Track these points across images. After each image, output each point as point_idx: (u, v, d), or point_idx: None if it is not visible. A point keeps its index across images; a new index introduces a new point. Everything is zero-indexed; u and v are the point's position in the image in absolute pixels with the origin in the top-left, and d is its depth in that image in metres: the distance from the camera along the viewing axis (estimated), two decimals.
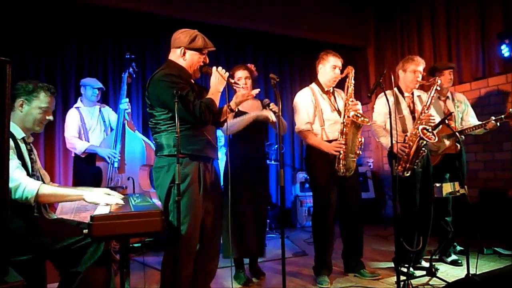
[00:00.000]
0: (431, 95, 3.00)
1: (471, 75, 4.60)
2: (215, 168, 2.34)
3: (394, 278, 2.61)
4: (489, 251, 3.47)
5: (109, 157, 3.64)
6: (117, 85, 4.82)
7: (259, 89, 2.44)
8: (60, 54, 4.65)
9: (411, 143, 2.93)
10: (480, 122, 3.32)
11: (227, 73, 2.20)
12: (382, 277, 2.96)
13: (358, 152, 2.86)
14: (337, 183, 2.91)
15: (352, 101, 2.86)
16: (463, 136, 3.33)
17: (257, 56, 5.94)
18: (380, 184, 5.88)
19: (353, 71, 2.93)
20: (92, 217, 1.54)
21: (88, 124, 3.80)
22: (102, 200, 1.85)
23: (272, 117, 2.79)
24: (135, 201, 1.99)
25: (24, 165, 1.86)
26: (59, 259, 1.81)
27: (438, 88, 3.08)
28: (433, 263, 2.88)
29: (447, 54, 4.83)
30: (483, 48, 4.46)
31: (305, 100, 3.01)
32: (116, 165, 3.67)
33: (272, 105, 2.89)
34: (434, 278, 2.79)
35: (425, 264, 3.07)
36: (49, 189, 1.84)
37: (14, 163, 1.78)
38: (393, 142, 2.60)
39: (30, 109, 1.97)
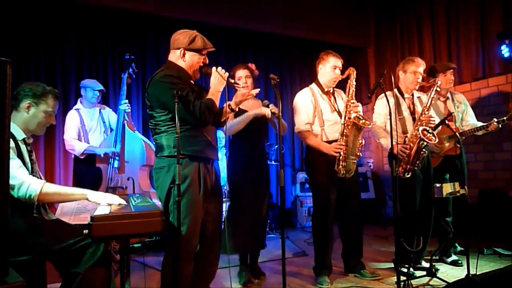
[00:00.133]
0: (431, 96, 3.00)
1: (471, 75, 4.60)
2: (215, 169, 2.33)
3: (394, 279, 2.60)
4: (489, 252, 3.47)
5: (107, 153, 3.63)
6: (117, 86, 4.82)
7: (259, 89, 2.44)
8: (60, 54, 4.65)
9: (411, 144, 2.93)
10: (481, 124, 3.31)
11: (227, 73, 2.19)
12: (382, 277, 2.96)
13: (358, 154, 2.86)
14: (336, 184, 2.91)
15: (353, 102, 2.86)
16: (463, 137, 3.33)
17: (257, 56, 5.94)
18: (380, 184, 5.89)
19: (355, 72, 2.92)
20: (92, 218, 1.54)
21: (88, 126, 3.80)
22: (104, 200, 1.85)
23: (269, 113, 2.80)
24: (135, 201, 1.99)
25: (24, 165, 1.86)
26: (59, 260, 1.81)
27: (438, 89, 3.08)
28: (433, 264, 2.88)
29: (447, 54, 4.83)
30: (483, 49, 4.46)
31: (304, 101, 3.01)
32: (116, 165, 3.67)
33: (271, 106, 2.90)
34: (434, 279, 2.79)
35: (425, 264, 3.07)
36: (52, 187, 1.85)
37: (16, 162, 1.78)
38: (394, 143, 2.60)
39: (36, 112, 1.97)
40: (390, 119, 2.52)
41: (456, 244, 3.57)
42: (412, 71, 3.13)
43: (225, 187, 4.15)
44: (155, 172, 2.16)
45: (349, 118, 2.83)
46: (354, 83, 2.92)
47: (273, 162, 4.93)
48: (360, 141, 2.85)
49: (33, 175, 1.92)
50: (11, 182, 1.67)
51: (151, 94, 2.13)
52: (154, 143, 2.24)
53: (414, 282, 2.69)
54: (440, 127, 2.97)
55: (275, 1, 5.08)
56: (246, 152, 2.93)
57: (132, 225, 1.59)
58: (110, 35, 4.92)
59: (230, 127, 2.81)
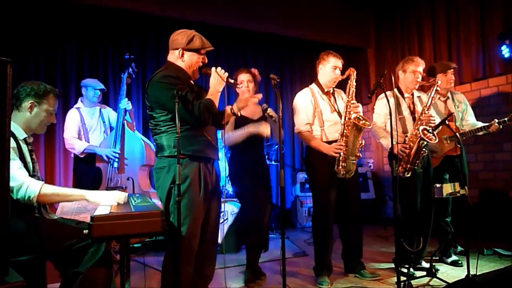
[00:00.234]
0: (431, 95, 3.00)
1: (471, 75, 4.60)
2: (215, 169, 2.34)
3: (394, 279, 2.60)
4: (489, 252, 3.47)
5: (108, 157, 3.64)
6: (117, 86, 4.82)
7: (261, 94, 2.43)
8: (60, 54, 4.65)
9: (411, 144, 2.93)
10: (481, 123, 3.31)
11: (226, 74, 2.19)
12: (382, 277, 2.96)
13: (358, 154, 2.86)
14: (336, 184, 2.91)
15: (353, 103, 2.86)
16: (463, 137, 3.33)
17: (258, 56, 5.95)
18: (381, 184, 5.89)
19: (355, 72, 2.92)
20: (92, 218, 1.54)
21: (88, 125, 3.80)
22: (103, 199, 1.85)
23: (267, 132, 2.81)
24: (135, 201, 1.99)
25: (25, 165, 1.87)
26: (59, 260, 1.81)
27: (438, 89, 3.08)
28: (433, 264, 2.88)
29: (447, 54, 4.83)
30: (483, 49, 4.46)
31: (304, 101, 3.01)
32: (115, 165, 3.67)
33: (269, 110, 2.91)
34: (434, 279, 2.79)
35: (425, 264, 3.07)
36: (51, 188, 1.85)
37: (16, 163, 1.78)
38: (394, 143, 2.60)
39: (39, 112, 1.98)
40: (391, 119, 2.52)
41: (458, 245, 3.57)
42: (412, 71, 3.13)
43: (225, 187, 4.15)
44: (156, 172, 2.16)
45: (349, 118, 2.83)
46: (354, 83, 2.92)
47: (273, 162, 4.93)
48: (360, 142, 2.85)
49: (34, 175, 1.93)
50: (11, 183, 1.67)
51: (150, 95, 2.13)
52: (154, 143, 2.24)
53: (414, 282, 2.69)
54: (440, 127, 2.97)
55: (275, 2, 5.08)
56: (246, 154, 2.94)
57: (132, 225, 1.58)
58: (110, 35, 4.92)
59: (228, 138, 2.84)
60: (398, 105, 3.10)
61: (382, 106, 3.17)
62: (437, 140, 2.88)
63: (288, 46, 5.94)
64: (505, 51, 4.09)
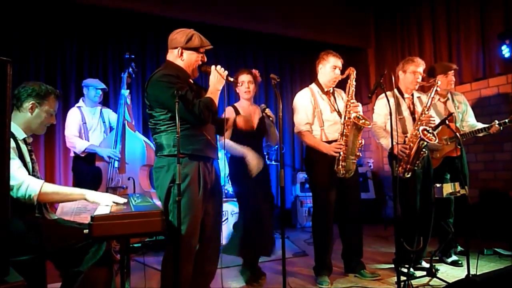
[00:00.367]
0: (431, 96, 3.00)
1: (471, 75, 4.60)
2: (215, 168, 2.34)
3: (395, 279, 2.60)
4: (489, 252, 3.47)
5: (109, 157, 3.64)
6: (117, 85, 4.82)
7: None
8: (60, 54, 4.66)
9: (411, 144, 2.93)
10: (481, 124, 3.31)
11: (226, 72, 2.19)
12: (383, 277, 2.96)
13: (358, 154, 2.86)
14: (336, 184, 2.91)
15: (353, 102, 2.86)
16: (463, 138, 3.33)
17: (258, 56, 5.95)
18: (381, 184, 5.88)
19: (355, 72, 2.92)
20: (92, 217, 1.54)
21: (89, 124, 3.81)
22: (103, 199, 1.85)
23: (255, 170, 2.79)
24: (135, 201, 1.99)
25: (25, 165, 1.87)
26: (60, 259, 1.81)
27: (438, 89, 3.08)
28: (433, 264, 2.88)
29: (447, 54, 4.83)
30: (483, 49, 4.45)
31: (304, 101, 3.01)
32: (116, 165, 3.67)
33: (267, 111, 2.92)
34: (435, 279, 2.79)
35: (425, 264, 3.07)
36: (51, 187, 1.85)
37: (16, 162, 1.78)
38: (394, 143, 2.60)
39: (40, 112, 1.98)
40: (391, 119, 2.52)
41: (458, 245, 3.57)
42: (412, 71, 3.13)
43: (225, 187, 4.15)
44: (155, 171, 2.16)
45: (349, 118, 2.83)
46: (354, 83, 2.92)
47: (273, 162, 4.93)
48: (360, 141, 2.85)
49: (34, 175, 1.93)
50: (11, 182, 1.67)
51: (150, 94, 2.13)
52: (153, 142, 2.24)
53: (414, 282, 2.69)
54: (440, 128, 2.97)
55: (275, 1, 5.08)
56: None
57: (132, 225, 1.59)
58: (110, 35, 4.92)
59: (227, 144, 2.83)
60: (398, 105, 3.10)
61: (382, 106, 3.17)
62: (437, 141, 2.88)
63: (288, 46, 5.94)
64: (505, 51, 4.09)
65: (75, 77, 4.67)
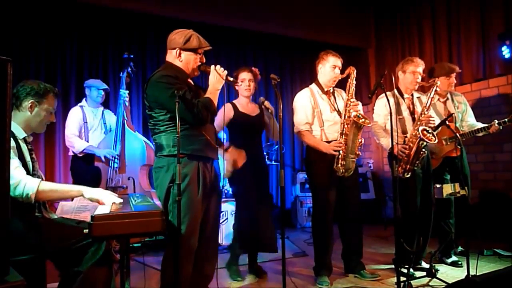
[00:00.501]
0: (431, 96, 3.00)
1: (471, 76, 4.59)
2: (215, 168, 2.34)
3: (394, 279, 2.60)
4: (489, 252, 3.47)
5: (106, 157, 3.64)
6: (117, 86, 4.81)
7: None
8: (60, 54, 4.65)
9: (411, 144, 2.93)
10: (481, 124, 3.31)
11: (225, 72, 2.19)
12: (382, 278, 2.96)
13: (358, 152, 2.86)
14: (336, 184, 2.91)
15: (352, 101, 2.87)
16: (463, 138, 3.32)
17: (258, 56, 5.95)
18: (380, 184, 5.88)
19: (355, 71, 2.92)
20: (92, 217, 1.54)
21: (90, 124, 3.81)
22: (101, 197, 1.85)
23: (226, 173, 2.71)
24: (135, 201, 1.99)
25: (25, 164, 1.86)
26: (60, 259, 1.81)
27: (438, 89, 3.08)
28: (433, 264, 2.88)
29: (448, 55, 4.83)
30: (484, 49, 4.45)
31: (303, 101, 3.01)
32: (116, 165, 3.67)
33: (266, 103, 2.93)
34: (434, 279, 2.79)
35: (425, 265, 3.07)
36: (48, 185, 1.84)
37: (15, 162, 1.78)
38: (394, 143, 2.60)
39: (39, 111, 1.97)
40: (391, 119, 2.52)
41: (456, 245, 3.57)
42: (411, 71, 3.12)
43: (224, 187, 4.15)
44: (155, 171, 2.16)
45: (349, 116, 2.83)
46: (354, 82, 2.92)
47: (273, 162, 4.93)
48: (359, 140, 2.85)
49: (34, 174, 1.93)
50: None
51: (149, 95, 2.14)
52: (153, 143, 2.24)
53: (414, 282, 2.69)
54: (440, 128, 2.97)
55: (275, 1, 5.08)
56: (245, 154, 2.94)
57: (132, 225, 1.58)
58: (110, 35, 4.92)
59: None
60: (397, 105, 3.10)
61: (382, 106, 3.17)
62: (436, 141, 2.88)
63: (288, 46, 5.93)
64: (505, 51, 4.09)
65: (75, 77, 4.67)
